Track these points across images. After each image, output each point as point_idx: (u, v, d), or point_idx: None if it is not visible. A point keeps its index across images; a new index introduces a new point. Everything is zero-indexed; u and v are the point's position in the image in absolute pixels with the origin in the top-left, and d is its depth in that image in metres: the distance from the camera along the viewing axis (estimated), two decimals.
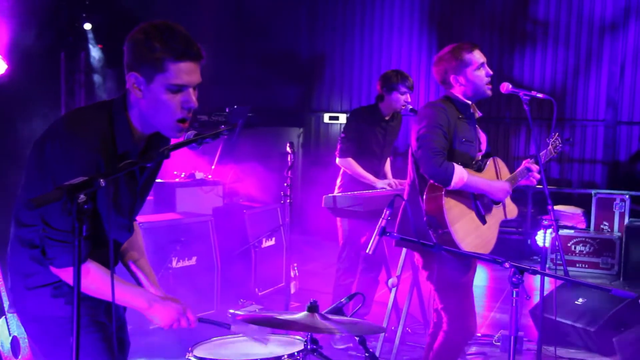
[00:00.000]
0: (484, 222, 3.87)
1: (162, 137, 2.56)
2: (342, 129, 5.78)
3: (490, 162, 3.99)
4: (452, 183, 3.62)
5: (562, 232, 8.41)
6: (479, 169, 3.91)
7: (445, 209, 3.65)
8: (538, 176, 4.07)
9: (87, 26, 8.59)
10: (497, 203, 3.98)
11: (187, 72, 2.31)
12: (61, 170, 2.26)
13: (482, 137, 4.14)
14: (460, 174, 3.63)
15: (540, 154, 4.18)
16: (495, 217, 3.98)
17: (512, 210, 4.13)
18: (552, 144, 4.38)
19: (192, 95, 2.36)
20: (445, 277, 3.81)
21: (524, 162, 4.11)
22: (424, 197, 3.75)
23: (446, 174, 3.61)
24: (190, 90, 2.35)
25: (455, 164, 3.65)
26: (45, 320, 2.48)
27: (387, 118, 5.73)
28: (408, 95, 5.61)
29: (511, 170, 4.13)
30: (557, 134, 4.46)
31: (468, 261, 3.90)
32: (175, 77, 2.30)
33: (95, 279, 2.40)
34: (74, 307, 1.88)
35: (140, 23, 2.37)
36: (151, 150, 2.51)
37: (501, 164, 4.08)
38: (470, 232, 3.76)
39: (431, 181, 3.70)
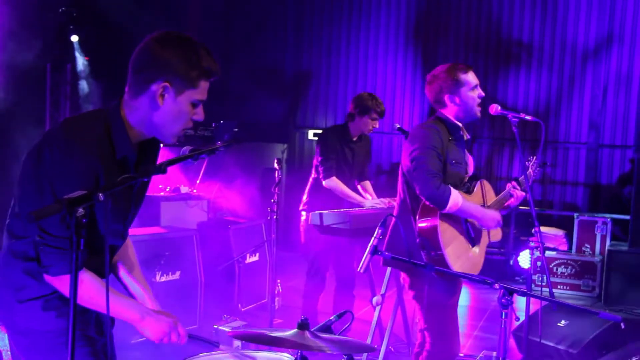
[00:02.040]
0: (473, 245, 3.90)
1: (153, 143, 2.57)
2: (317, 152, 5.79)
3: (477, 185, 4.01)
4: (448, 207, 3.63)
5: (544, 253, 8.45)
6: (468, 191, 3.93)
7: (439, 231, 3.66)
8: (519, 199, 4.09)
9: (74, 38, 8.57)
10: None
11: (206, 89, 2.45)
12: (60, 177, 2.25)
13: (470, 159, 4.17)
14: (456, 198, 3.64)
15: (520, 178, 4.21)
16: (483, 240, 4.01)
17: (496, 234, 4.16)
18: (531, 167, 4.42)
19: (202, 109, 2.48)
20: (433, 298, 3.82)
21: (507, 185, 4.14)
22: (417, 218, 3.75)
23: (443, 197, 3.62)
24: (201, 104, 2.46)
25: (451, 188, 3.67)
26: (34, 333, 2.46)
27: (354, 139, 5.79)
28: (377, 122, 5.71)
29: (497, 193, 4.16)
30: (534, 157, 4.49)
31: (456, 283, 3.91)
32: (201, 94, 2.42)
33: (89, 289, 2.38)
34: (70, 318, 1.87)
35: (135, 36, 2.40)
36: (144, 157, 2.53)
37: (487, 187, 4.11)
38: (461, 254, 3.78)
39: (426, 202, 3.70)
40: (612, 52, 9.98)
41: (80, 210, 1.85)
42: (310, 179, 5.93)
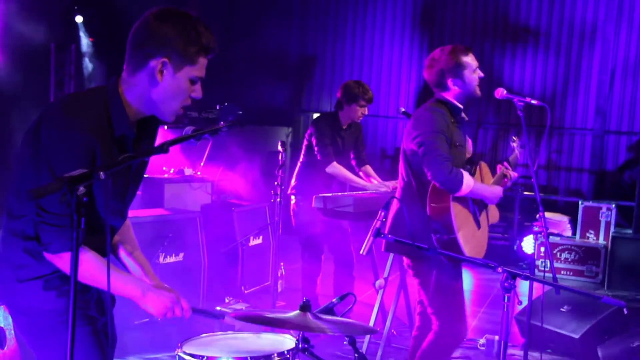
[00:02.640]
0: (479, 226, 3.90)
1: (152, 122, 2.55)
2: (310, 136, 5.78)
3: (477, 167, 4.01)
4: (462, 190, 3.63)
5: (548, 239, 8.44)
6: (470, 174, 3.91)
7: (453, 215, 3.65)
8: (510, 182, 4.10)
9: (79, 19, 8.54)
10: (486, 207, 4.00)
11: (205, 66, 2.44)
12: (57, 154, 2.24)
13: (469, 142, 4.16)
14: (468, 181, 3.64)
15: (510, 157, 4.22)
16: (485, 222, 4.01)
17: (495, 215, 4.16)
18: (516, 149, 4.41)
19: (200, 87, 2.46)
20: (441, 282, 3.81)
21: (497, 166, 4.14)
22: (428, 202, 3.72)
23: (456, 181, 3.61)
24: (199, 82, 2.45)
25: (463, 171, 3.66)
26: (35, 313, 2.46)
27: (344, 127, 5.79)
28: (366, 109, 5.70)
29: (494, 175, 4.17)
30: (517, 139, 4.48)
31: (460, 266, 3.91)
32: (200, 71, 2.40)
33: (89, 266, 2.38)
34: (70, 296, 1.86)
35: (146, 12, 2.38)
36: (143, 135, 2.52)
37: (485, 170, 4.10)
38: (471, 237, 3.79)
39: (437, 186, 3.68)
40: (621, 36, 9.91)
41: (81, 189, 1.83)
42: (299, 163, 5.94)
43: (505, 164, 4.13)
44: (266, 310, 2.79)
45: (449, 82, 3.84)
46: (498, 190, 3.90)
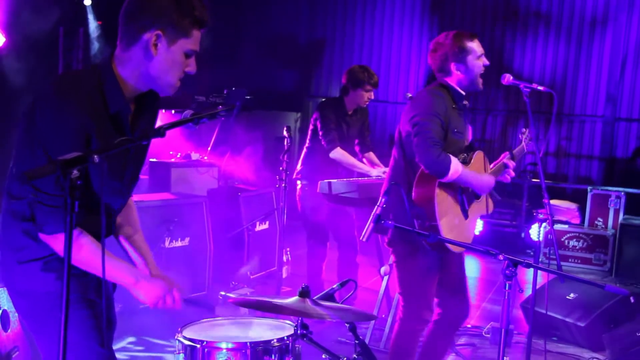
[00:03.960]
0: (466, 216, 3.84)
1: (150, 97, 2.54)
2: (315, 121, 5.76)
3: (476, 155, 3.93)
4: (449, 175, 3.56)
5: (556, 226, 8.41)
6: (464, 161, 3.84)
7: (436, 202, 3.58)
8: (513, 174, 4.04)
9: (87, 2, 8.52)
10: (477, 197, 3.94)
11: (199, 40, 2.44)
12: (51, 136, 2.24)
13: (469, 130, 4.10)
14: (456, 167, 3.57)
15: (515, 150, 4.15)
16: (475, 211, 3.94)
17: (488, 206, 4.10)
18: (524, 140, 4.35)
19: (194, 61, 2.46)
20: (416, 266, 3.78)
21: (501, 156, 4.08)
22: (414, 187, 3.68)
23: (443, 166, 3.53)
24: (194, 56, 2.46)
25: (451, 156, 3.60)
26: (34, 295, 2.46)
27: (349, 112, 5.77)
28: (372, 93, 5.67)
29: (492, 167, 4.10)
30: (527, 130, 4.42)
31: (448, 258, 3.86)
32: (194, 44, 2.41)
33: (84, 251, 2.37)
34: (64, 279, 1.86)
35: None
36: (141, 112, 2.52)
37: (482, 159, 4.02)
38: (454, 227, 3.72)
39: (425, 171, 3.62)
40: (633, 21, 9.80)
41: (75, 172, 1.82)
42: (305, 148, 5.92)
43: (507, 153, 4.07)
44: (266, 296, 2.78)
45: (452, 67, 3.80)
46: (488, 180, 3.81)
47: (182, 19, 2.33)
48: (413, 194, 3.67)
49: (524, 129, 4.42)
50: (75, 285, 2.45)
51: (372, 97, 5.75)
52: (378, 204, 2.83)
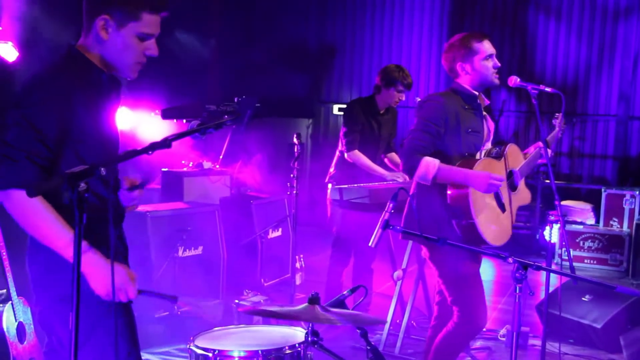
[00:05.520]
0: (503, 210, 3.87)
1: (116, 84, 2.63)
2: (342, 123, 5.77)
3: (509, 147, 3.96)
4: (417, 176, 3.66)
5: (571, 227, 8.38)
6: (498, 155, 3.89)
7: (471, 200, 3.63)
8: (550, 152, 4.11)
9: None
10: (514, 189, 3.96)
11: (156, 23, 2.48)
12: (33, 105, 2.31)
13: (491, 125, 4.11)
14: (427, 169, 3.63)
15: (548, 137, 4.21)
16: (514, 203, 3.97)
17: (526, 197, 4.13)
18: (558, 125, 4.41)
19: (155, 44, 2.51)
20: (458, 269, 3.79)
21: (533, 146, 4.16)
22: (448, 187, 3.72)
23: (409, 167, 3.67)
24: (154, 39, 2.50)
25: (427, 159, 3.64)
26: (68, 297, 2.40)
27: (381, 111, 5.76)
28: (403, 94, 5.66)
29: (525, 157, 4.13)
30: (560, 115, 4.46)
31: (477, 253, 3.88)
32: (147, 27, 2.45)
33: (30, 209, 2.28)
34: (73, 284, 1.85)
35: None
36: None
37: (516, 150, 4.06)
38: (493, 221, 3.77)
39: None
40: None
41: (82, 185, 1.85)
42: (337, 152, 5.90)
43: (540, 143, 4.10)
44: (276, 304, 2.79)
45: (458, 68, 3.86)
46: (481, 175, 3.62)
47: (124, 6, 2.39)
48: (447, 194, 3.70)
49: (557, 114, 4.45)
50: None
51: (403, 99, 5.72)
52: (386, 209, 2.83)
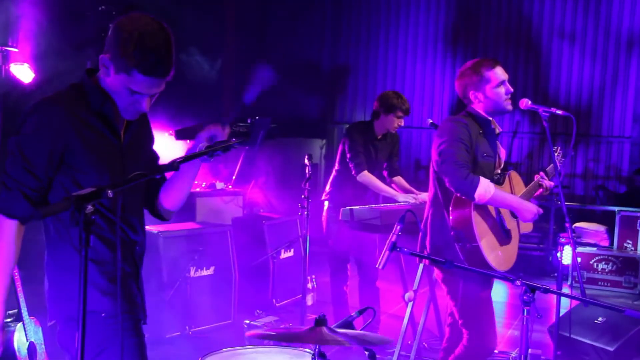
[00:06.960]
0: (508, 236, 3.86)
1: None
2: (344, 146, 5.80)
3: (507, 176, 3.99)
4: (476, 195, 3.60)
5: (585, 249, 8.33)
6: (498, 182, 3.90)
7: (474, 223, 3.64)
8: (551, 183, 4.09)
9: None
10: (515, 216, 3.96)
11: (148, 85, 2.41)
12: (25, 137, 2.35)
13: (502, 152, 4.13)
14: (486, 188, 3.61)
15: (548, 168, 4.20)
16: (516, 232, 3.97)
17: (528, 225, 4.11)
18: (557, 159, 4.39)
19: (144, 102, 2.46)
20: (468, 292, 3.78)
21: (535, 176, 4.12)
22: (450, 210, 3.73)
23: (470, 187, 3.59)
24: (146, 97, 2.45)
25: (481, 177, 3.64)
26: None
27: (378, 137, 5.79)
28: (402, 120, 5.71)
29: (526, 184, 4.13)
30: (558, 148, 4.46)
31: (488, 276, 3.87)
32: (136, 85, 2.41)
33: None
34: (79, 303, 1.88)
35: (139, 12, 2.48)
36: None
37: (517, 179, 4.08)
38: (496, 246, 3.76)
39: (457, 194, 3.69)
40: None
41: (89, 207, 1.87)
42: (334, 171, 5.95)
43: (542, 173, 4.11)
44: (282, 326, 2.79)
45: (471, 96, 3.88)
46: (530, 206, 3.79)
47: (119, 57, 2.37)
48: (450, 217, 3.71)
49: (555, 147, 4.45)
50: (126, 306, 2.49)
51: (402, 124, 5.78)
52: (393, 231, 2.84)
